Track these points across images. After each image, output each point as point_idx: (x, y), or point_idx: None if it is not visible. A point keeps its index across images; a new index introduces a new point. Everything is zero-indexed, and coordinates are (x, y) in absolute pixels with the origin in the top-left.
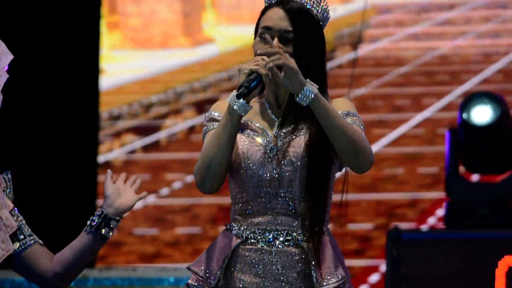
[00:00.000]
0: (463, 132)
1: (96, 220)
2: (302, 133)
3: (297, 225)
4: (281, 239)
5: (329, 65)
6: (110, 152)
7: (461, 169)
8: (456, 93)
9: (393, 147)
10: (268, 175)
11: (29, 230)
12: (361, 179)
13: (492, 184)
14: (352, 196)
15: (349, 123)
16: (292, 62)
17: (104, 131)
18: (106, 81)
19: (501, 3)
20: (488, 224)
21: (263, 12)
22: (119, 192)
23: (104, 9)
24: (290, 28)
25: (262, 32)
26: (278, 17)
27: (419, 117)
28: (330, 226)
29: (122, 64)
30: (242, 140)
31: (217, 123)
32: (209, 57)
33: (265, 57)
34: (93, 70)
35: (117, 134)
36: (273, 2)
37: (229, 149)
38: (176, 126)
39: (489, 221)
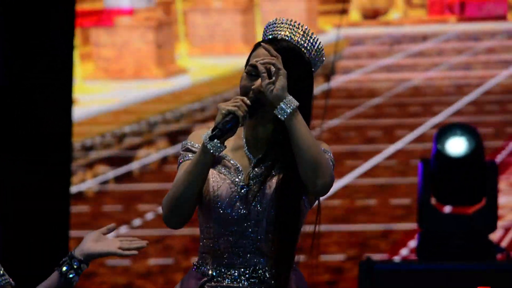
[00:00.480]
0: (437, 163)
1: (63, 259)
2: (274, 174)
3: (263, 262)
4: (247, 276)
5: None
6: (83, 182)
7: (434, 200)
8: (428, 124)
9: (366, 178)
10: (236, 213)
11: (1, 269)
12: (333, 211)
13: (464, 215)
14: (325, 227)
15: (318, 145)
16: (282, 68)
17: (77, 161)
18: (78, 112)
19: (473, 36)
20: (461, 256)
21: (255, 47)
22: (98, 239)
23: (77, 40)
24: (279, 66)
25: (249, 70)
26: (265, 55)
27: (392, 148)
28: (302, 257)
29: (95, 95)
30: (214, 176)
31: (191, 154)
32: (182, 87)
33: (244, 98)
34: (66, 101)
35: (90, 165)
36: (265, 39)
37: (198, 187)
38: (149, 156)
39: (461, 252)
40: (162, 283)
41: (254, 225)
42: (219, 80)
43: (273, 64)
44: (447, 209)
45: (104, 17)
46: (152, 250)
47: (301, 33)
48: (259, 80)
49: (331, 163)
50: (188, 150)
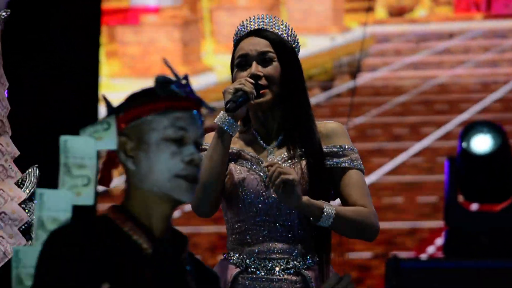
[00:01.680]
0: (463, 161)
1: None
2: (296, 160)
3: (296, 253)
4: (281, 267)
5: (328, 94)
6: None
7: (461, 197)
8: (455, 122)
9: (392, 175)
10: (266, 203)
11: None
12: None
13: (491, 213)
14: None
15: (360, 214)
16: (293, 175)
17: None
18: (104, 110)
19: (500, 33)
20: (488, 253)
21: (236, 46)
22: None
23: (103, 38)
24: (268, 48)
25: (240, 61)
26: (252, 43)
27: (418, 146)
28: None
29: (121, 93)
30: (237, 170)
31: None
32: (208, 85)
33: (247, 78)
34: (93, 99)
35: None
36: (244, 34)
37: (222, 169)
38: None
39: (488, 250)
40: None
41: (285, 212)
42: None
43: (286, 180)
44: (474, 206)
45: (130, 15)
46: None
47: (279, 24)
48: (253, 65)
49: (361, 170)
50: (202, 150)
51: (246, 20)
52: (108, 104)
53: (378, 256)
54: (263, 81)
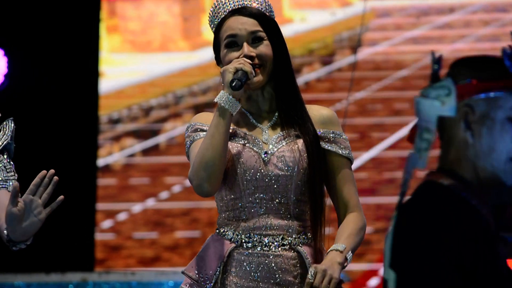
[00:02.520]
0: None
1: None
2: (292, 139)
3: (292, 229)
4: (277, 243)
5: (328, 68)
6: (110, 155)
7: None
8: None
9: (393, 150)
10: (264, 180)
11: (8, 173)
12: (360, 183)
13: None
14: None
15: (360, 228)
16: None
17: (104, 134)
18: (105, 84)
19: (501, 7)
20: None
21: (220, 26)
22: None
23: (103, 13)
24: (257, 28)
25: (229, 41)
26: (240, 23)
27: None
28: (328, 229)
29: (122, 67)
30: (234, 147)
31: (203, 133)
32: (209, 60)
33: (245, 58)
34: (93, 73)
35: (117, 138)
36: (227, 13)
37: (225, 148)
38: (175, 129)
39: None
40: (189, 255)
41: (283, 189)
42: None
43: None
44: None
45: None
46: (179, 223)
47: None
48: (245, 46)
49: (363, 217)
50: (198, 130)
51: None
52: (437, 66)
53: (379, 231)
54: (255, 61)
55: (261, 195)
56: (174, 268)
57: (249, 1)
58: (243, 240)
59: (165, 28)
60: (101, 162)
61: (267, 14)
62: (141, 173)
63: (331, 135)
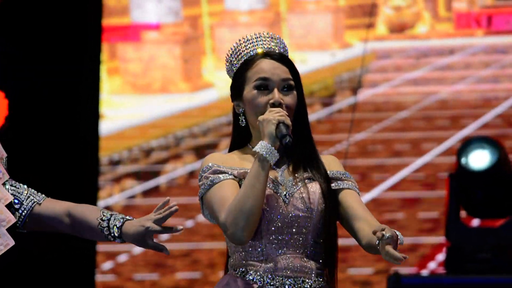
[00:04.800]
0: (463, 177)
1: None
2: (307, 182)
3: (311, 271)
4: (298, 285)
5: (329, 110)
6: (110, 197)
7: (462, 213)
8: (456, 137)
9: (393, 191)
10: (284, 221)
11: (25, 192)
12: None
13: (492, 229)
14: (352, 240)
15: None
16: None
17: (104, 176)
18: (106, 126)
19: (500, 49)
20: (488, 269)
21: (248, 63)
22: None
23: (104, 55)
24: (289, 76)
25: (260, 83)
26: (273, 67)
27: (419, 161)
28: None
29: (122, 109)
30: None
31: (223, 175)
32: (209, 102)
33: (282, 110)
34: (93, 115)
35: (117, 179)
36: (256, 54)
37: (263, 198)
38: (176, 171)
39: (489, 266)
40: None
41: (301, 231)
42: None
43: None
44: (475, 222)
45: (131, 32)
46: (179, 264)
47: (278, 41)
48: (275, 92)
49: (358, 193)
50: (218, 172)
51: (252, 36)
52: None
53: (380, 272)
54: (284, 109)
55: (280, 236)
56: None
57: (275, 45)
58: (265, 281)
59: (165, 70)
60: (101, 203)
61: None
62: (141, 214)
63: (339, 174)
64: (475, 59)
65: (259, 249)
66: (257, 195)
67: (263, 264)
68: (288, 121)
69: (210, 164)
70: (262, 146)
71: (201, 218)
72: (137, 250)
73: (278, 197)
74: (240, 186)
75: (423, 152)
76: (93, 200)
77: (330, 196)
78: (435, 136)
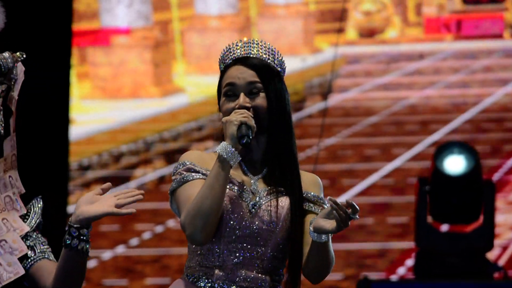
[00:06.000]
0: (435, 182)
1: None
2: (279, 195)
3: (264, 284)
4: None
5: (299, 115)
6: None
7: (431, 219)
8: (425, 142)
9: (363, 196)
10: (245, 231)
11: (43, 246)
12: None
13: (462, 234)
14: None
15: (332, 254)
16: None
17: (74, 181)
18: (75, 131)
19: (470, 54)
20: (458, 274)
21: (223, 73)
22: (92, 200)
23: (74, 59)
24: (255, 79)
25: (227, 90)
26: (239, 72)
27: (389, 166)
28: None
29: (92, 114)
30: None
31: (196, 174)
32: (179, 107)
33: (246, 111)
34: (63, 120)
35: (87, 184)
36: (230, 61)
37: (223, 199)
38: (146, 176)
39: (458, 271)
40: None
41: (262, 243)
42: (216, 99)
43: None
44: (444, 227)
45: (100, 37)
46: (149, 270)
47: (266, 49)
48: (241, 96)
49: (334, 260)
50: (191, 170)
51: (232, 44)
52: None
53: (349, 278)
54: (250, 112)
55: (240, 244)
56: None
57: (256, 50)
58: None
59: (135, 75)
60: (71, 209)
61: (273, 64)
62: (111, 220)
63: (313, 197)
64: (445, 64)
65: (216, 254)
66: (215, 196)
67: (217, 271)
68: (251, 122)
69: (186, 161)
70: (222, 147)
71: (171, 223)
72: (107, 256)
73: (245, 206)
74: None
75: (393, 157)
76: (63, 206)
77: (299, 214)
78: (405, 141)
